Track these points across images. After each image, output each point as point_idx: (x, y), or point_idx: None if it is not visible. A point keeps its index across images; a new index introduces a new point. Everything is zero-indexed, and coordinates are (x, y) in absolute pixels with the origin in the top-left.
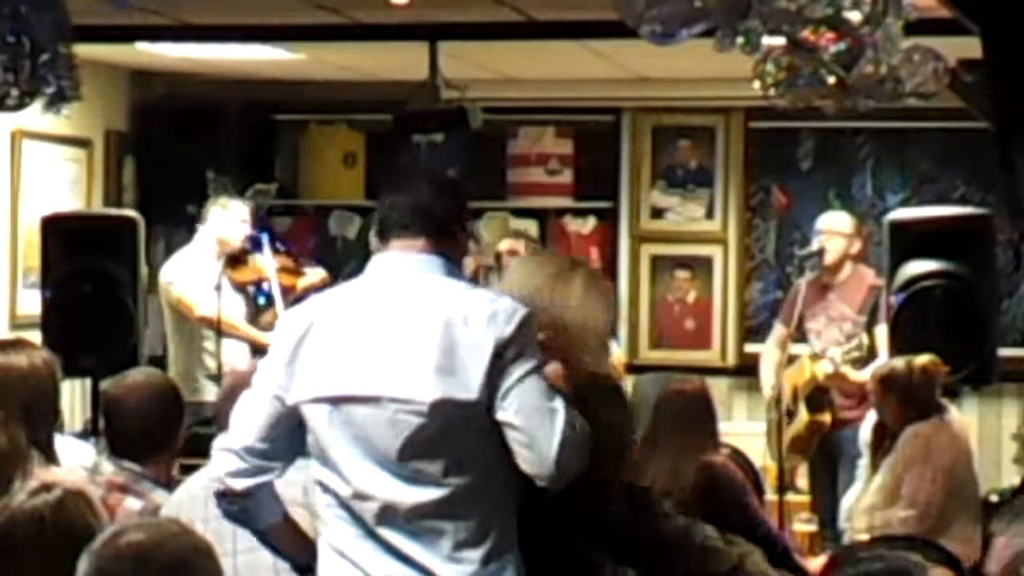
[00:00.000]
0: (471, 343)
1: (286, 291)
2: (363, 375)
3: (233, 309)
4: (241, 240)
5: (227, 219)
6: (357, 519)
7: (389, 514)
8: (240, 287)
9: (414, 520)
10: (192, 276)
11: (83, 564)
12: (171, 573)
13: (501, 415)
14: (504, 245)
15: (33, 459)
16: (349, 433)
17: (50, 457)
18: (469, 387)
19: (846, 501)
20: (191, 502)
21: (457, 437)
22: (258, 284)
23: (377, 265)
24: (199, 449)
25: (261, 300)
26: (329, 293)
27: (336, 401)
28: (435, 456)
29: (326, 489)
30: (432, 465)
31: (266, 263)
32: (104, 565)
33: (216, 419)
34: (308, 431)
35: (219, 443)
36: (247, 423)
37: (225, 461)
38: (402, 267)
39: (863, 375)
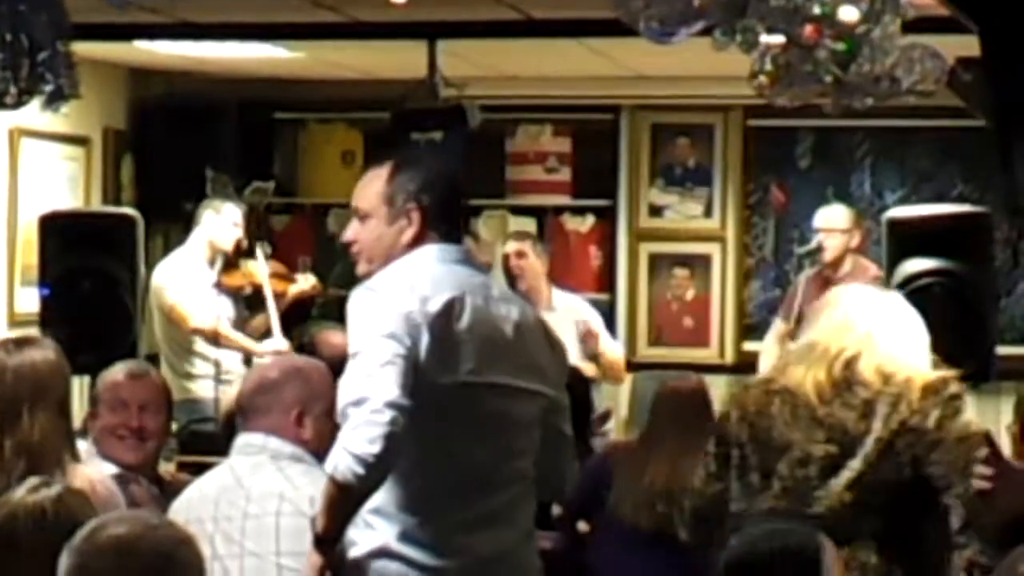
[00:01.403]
0: (542, 343)
1: (277, 297)
2: (513, 365)
3: (223, 312)
4: (233, 244)
5: (219, 222)
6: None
7: (497, 506)
8: (231, 291)
9: (509, 512)
10: (185, 281)
11: (64, 560)
12: (153, 566)
13: (566, 427)
14: (511, 247)
15: (67, 455)
16: (491, 419)
17: (74, 453)
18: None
19: None
20: (202, 501)
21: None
22: (248, 289)
23: (445, 255)
24: (198, 446)
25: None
26: (436, 274)
27: (490, 386)
28: (530, 447)
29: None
30: (526, 455)
31: (258, 268)
32: (85, 561)
33: (240, 411)
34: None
35: (367, 399)
36: (402, 382)
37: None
38: (462, 256)
39: None
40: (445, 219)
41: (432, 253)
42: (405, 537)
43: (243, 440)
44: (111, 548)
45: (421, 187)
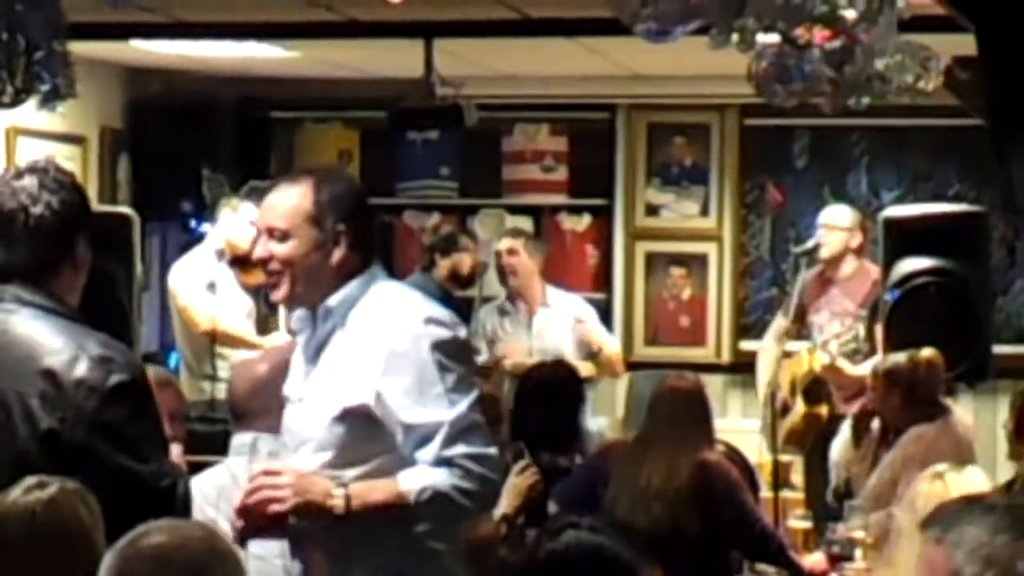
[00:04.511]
0: None
1: None
2: None
3: (240, 311)
4: (250, 242)
5: (237, 221)
6: None
7: None
8: (251, 290)
9: None
10: (197, 282)
11: (106, 561)
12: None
13: None
14: (503, 244)
15: None
16: None
17: None
18: None
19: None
20: (202, 500)
21: None
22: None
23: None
24: (197, 446)
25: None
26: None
27: None
28: None
29: None
30: None
31: None
32: (125, 565)
33: (232, 413)
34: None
35: None
36: None
37: None
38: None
39: (860, 370)
40: (368, 241)
41: (411, 280)
42: None
43: (238, 440)
44: (149, 556)
45: (349, 209)
